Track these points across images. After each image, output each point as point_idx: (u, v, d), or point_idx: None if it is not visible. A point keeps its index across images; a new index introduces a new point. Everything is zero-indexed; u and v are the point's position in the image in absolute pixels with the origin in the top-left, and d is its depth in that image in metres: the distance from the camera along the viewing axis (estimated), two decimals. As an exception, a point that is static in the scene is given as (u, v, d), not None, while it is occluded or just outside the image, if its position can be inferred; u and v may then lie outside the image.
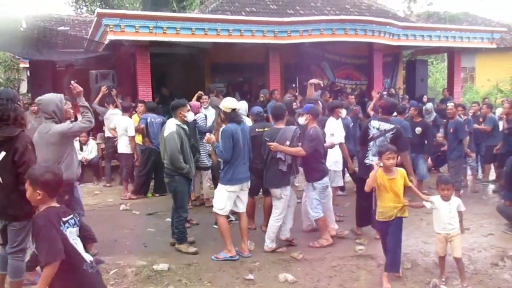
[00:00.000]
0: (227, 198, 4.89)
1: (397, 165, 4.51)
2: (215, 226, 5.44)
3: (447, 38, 12.84)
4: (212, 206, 6.58)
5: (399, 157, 4.76)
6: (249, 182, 5.07)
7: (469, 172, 8.54)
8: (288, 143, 5.00)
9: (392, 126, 5.40)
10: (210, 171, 6.97)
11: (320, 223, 5.36)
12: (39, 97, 4.49)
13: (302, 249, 5.20)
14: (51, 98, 4.44)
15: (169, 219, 5.77)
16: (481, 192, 8.14)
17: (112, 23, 9.12)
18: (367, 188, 4.49)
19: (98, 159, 9.27)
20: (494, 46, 13.79)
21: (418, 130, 7.45)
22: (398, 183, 4.33)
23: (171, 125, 5.13)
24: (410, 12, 23.89)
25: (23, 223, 3.58)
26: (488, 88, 19.29)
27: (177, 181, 5.11)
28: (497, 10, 48.00)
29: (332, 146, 5.97)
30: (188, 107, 5.37)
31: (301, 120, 5.35)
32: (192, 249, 5.14)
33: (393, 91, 12.71)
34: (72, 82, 4.72)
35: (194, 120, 6.35)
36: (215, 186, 6.31)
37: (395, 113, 7.85)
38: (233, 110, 4.94)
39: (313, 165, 5.25)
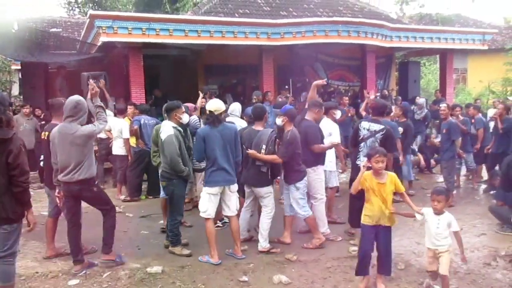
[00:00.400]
0: (208, 200, 4.86)
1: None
2: (219, 226, 5.56)
3: (439, 40, 12.94)
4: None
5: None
6: (234, 185, 4.97)
7: (463, 172, 8.64)
8: (264, 146, 5.03)
9: (382, 126, 5.46)
10: (204, 173, 6.96)
11: (310, 222, 5.35)
12: (70, 98, 4.60)
13: (296, 250, 5.20)
14: (77, 99, 4.56)
15: (162, 221, 5.75)
16: (474, 192, 8.19)
17: (104, 25, 9.09)
18: (353, 190, 4.39)
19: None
20: (486, 47, 13.91)
21: (400, 130, 7.52)
22: (387, 189, 4.19)
23: (169, 128, 5.06)
24: (403, 14, 24.01)
25: (14, 226, 3.56)
26: (480, 89, 19.43)
27: (175, 184, 5.06)
28: (488, 12, 48.43)
29: (331, 147, 5.99)
30: (183, 109, 5.35)
31: (278, 121, 5.38)
32: (185, 251, 5.12)
33: (386, 93, 12.77)
34: (91, 81, 4.92)
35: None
36: None
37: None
38: (212, 112, 4.88)
39: (293, 167, 5.23)
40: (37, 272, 4.61)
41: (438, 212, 4.12)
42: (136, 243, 5.57)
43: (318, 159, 5.68)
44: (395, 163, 7.59)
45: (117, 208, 7.04)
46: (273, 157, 5.07)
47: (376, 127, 5.46)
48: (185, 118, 5.30)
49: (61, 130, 4.50)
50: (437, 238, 4.11)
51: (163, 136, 5.03)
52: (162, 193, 5.77)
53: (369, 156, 4.27)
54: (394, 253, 4.43)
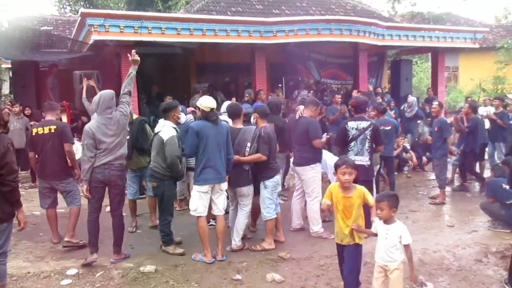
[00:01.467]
0: (198, 199, 4.82)
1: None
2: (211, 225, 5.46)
3: (431, 38, 13.00)
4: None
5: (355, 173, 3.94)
6: (224, 184, 4.91)
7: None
8: (248, 144, 5.01)
9: (369, 122, 5.58)
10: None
11: (269, 224, 5.23)
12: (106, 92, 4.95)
13: (289, 248, 5.21)
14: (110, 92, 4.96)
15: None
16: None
17: (96, 23, 9.02)
18: (323, 206, 3.96)
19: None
20: (477, 46, 13.99)
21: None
22: (353, 203, 3.72)
23: (170, 129, 5.01)
24: (395, 12, 24.11)
25: (3, 225, 3.51)
26: (471, 87, 19.58)
27: (166, 185, 5.03)
28: (479, 11, 48.79)
29: (328, 141, 6.01)
30: (180, 108, 5.32)
31: (251, 119, 5.39)
32: (178, 250, 5.11)
33: (380, 91, 12.83)
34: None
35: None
36: None
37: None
38: (212, 109, 4.84)
39: (266, 164, 5.16)
40: (29, 272, 4.58)
41: (386, 221, 3.56)
42: (129, 242, 5.53)
43: (318, 156, 5.70)
44: (391, 162, 7.67)
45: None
46: (257, 156, 5.03)
47: (363, 124, 5.53)
48: (182, 118, 5.26)
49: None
50: (385, 252, 3.56)
51: (164, 136, 4.93)
52: (150, 193, 5.74)
53: (335, 167, 3.85)
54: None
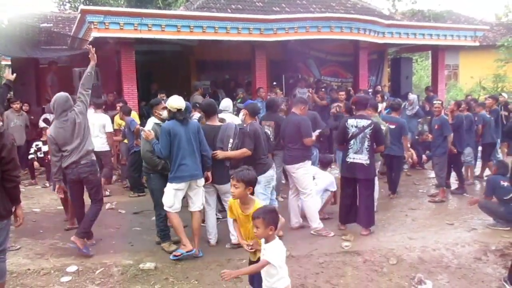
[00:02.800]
0: (173, 196, 4.84)
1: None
2: (202, 224, 5.43)
3: (431, 36, 12.99)
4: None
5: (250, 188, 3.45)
6: (200, 180, 4.94)
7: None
8: (231, 140, 5.07)
9: (369, 121, 5.56)
10: None
11: None
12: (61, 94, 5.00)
13: (288, 246, 5.18)
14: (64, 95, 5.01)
15: (154, 218, 5.69)
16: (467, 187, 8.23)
17: (96, 20, 9.00)
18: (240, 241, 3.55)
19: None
20: (477, 44, 13.99)
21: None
22: (250, 223, 3.24)
23: (149, 124, 5.22)
24: (395, 10, 24.11)
25: (3, 222, 3.51)
26: (471, 85, 19.56)
27: (152, 178, 5.15)
28: (480, 9, 48.70)
29: (318, 138, 6.02)
30: (163, 104, 5.28)
31: (240, 115, 5.41)
32: (173, 247, 5.08)
33: (380, 88, 12.82)
34: (89, 46, 5.33)
35: None
36: None
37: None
38: (178, 110, 4.83)
39: (255, 160, 5.17)
40: (29, 269, 4.59)
41: (266, 240, 3.07)
42: (129, 239, 5.55)
43: (307, 154, 5.72)
44: (398, 161, 7.58)
45: (109, 205, 7.09)
46: (242, 151, 5.08)
47: (363, 122, 5.53)
48: (164, 114, 5.19)
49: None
50: (265, 277, 3.11)
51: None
52: None
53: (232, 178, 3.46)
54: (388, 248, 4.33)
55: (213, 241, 5.28)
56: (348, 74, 14.10)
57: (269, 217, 3.01)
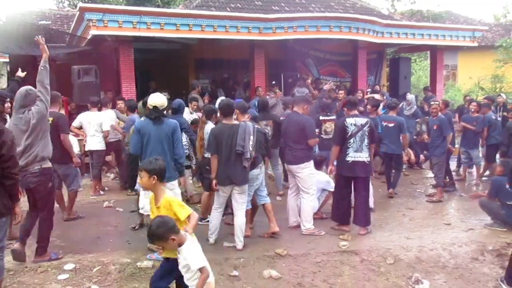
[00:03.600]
0: (144, 197, 4.85)
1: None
2: (202, 222, 5.44)
3: (430, 36, 13.01)
4: (196, 203, 6.62)
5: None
6: (173, 182, 4.83)
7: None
8: (251, 137, 4.95)
9: (366, 119, 5.68)
10: (190, 169, 6.97)
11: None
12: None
13: (286, 245, 5.21)
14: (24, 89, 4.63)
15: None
16: (461, 188, 8.26)
17: (94, 18, 8.99)
18: None
19: (81, 155, 9.11)
20: (476, 44, 14.02)
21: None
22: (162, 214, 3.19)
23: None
24: (394, 10, 24.11)
25: (2, 220, 3.51)
26: (469, 85, 19.59)
27: None
28: (478, 9, 48.78)
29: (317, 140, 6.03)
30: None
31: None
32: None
33: (378, 88, 12.84)
34: (39, 37, 4.79)
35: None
36: (203, 184, 6.26)
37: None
38: (154, 107, 4.75)
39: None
40: (26, 267, 4.58)
41: (178, 244, 3.03)
42: (126, 237, 5.55)
43: (311, 153, 5.74)
44: (397, 160, 7.58)
45: (106, 203, 7.09)
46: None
47: (361, 121, 5.61)
48: None
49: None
50: (186, 281, 3.13)
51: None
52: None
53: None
54: (385, 248, 4.35)
55: (212, 240, 5.26)
56: (347, 73, 14.10)
57: (166, 232, 2.95)
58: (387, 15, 15.58)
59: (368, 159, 5.56)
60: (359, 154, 5.50)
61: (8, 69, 13.24)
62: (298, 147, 5.58)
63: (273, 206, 5.62)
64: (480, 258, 5.02)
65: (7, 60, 13.02)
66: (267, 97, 9.43)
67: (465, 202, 7.24)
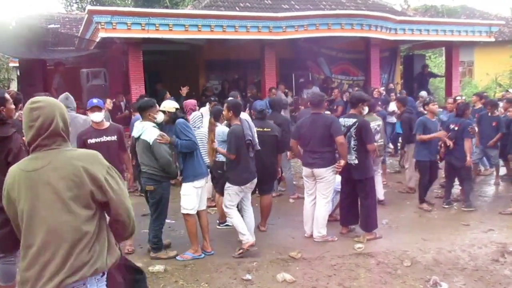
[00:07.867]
0: (196, 196, 4.90)
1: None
2: (220, 226, 5.64)
3: (445, 32, 12.78)
4: (211, 206, 6.43)
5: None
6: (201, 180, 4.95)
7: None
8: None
9: (354, 120, 5.40)
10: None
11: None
12: None
13: (300, 248, 5.11)
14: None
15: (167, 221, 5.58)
16: (479, 188, 8.02)
17: (103, 20, 9.01)
18: None
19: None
20: (492, 39, 13.74)
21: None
22: None
23: (152, 130, 4.73)
24: (407, 6, 23.79)
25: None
26: (487, 82, 19.27)
27: (164, 187, 4.82)
28: (495, 3, 47.96)
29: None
30: (158, 107, 4.97)
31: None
32: (171, 253, 4.95)
33: (392, 86, 12.66)
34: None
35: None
36: (216, 187, 6.07)
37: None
38: (177, 109, 4.94)
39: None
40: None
41: None
42: (138, 242, 5.47)
43: (335, 156, 5.42)
44: (463, 170, 7.03)
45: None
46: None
47: (349, 122, 5.43)
48: (159, 117, 4.89)
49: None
50: None
51: (149, 139, 4.65)
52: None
53: None
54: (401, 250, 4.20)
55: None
56: (360, 72, 13.93)
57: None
58: (400, 11, 15.37)
59: (356, 161, 5.32)
60: (349, 156, 5.32)
61: (18, 73, 13.35)
62: (324, 149, 5.27)
63: (287, 208, 5.52)
64: (501, 260, 4.85)
65: (17, 64, 13.14)
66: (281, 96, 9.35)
67: (483, 203, 7.04)
